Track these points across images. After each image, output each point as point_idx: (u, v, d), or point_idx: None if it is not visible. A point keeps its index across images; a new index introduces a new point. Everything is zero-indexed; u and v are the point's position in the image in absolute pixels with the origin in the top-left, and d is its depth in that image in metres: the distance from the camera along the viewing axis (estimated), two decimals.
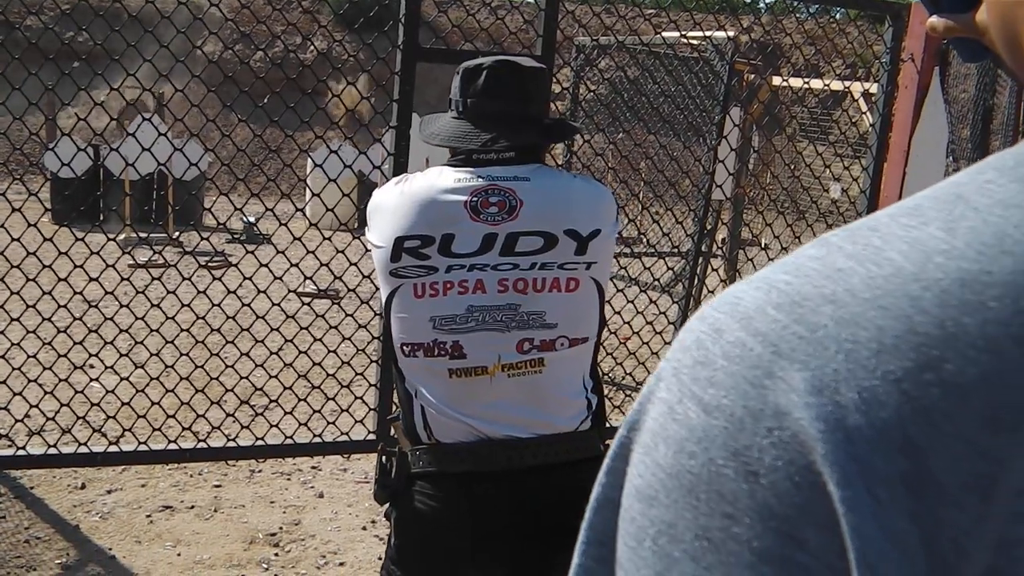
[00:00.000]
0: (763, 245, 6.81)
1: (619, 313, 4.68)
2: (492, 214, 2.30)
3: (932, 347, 0.45)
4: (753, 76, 6.23)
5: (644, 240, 7.29)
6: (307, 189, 10.75)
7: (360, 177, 7.21)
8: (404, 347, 2.37)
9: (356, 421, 4.23)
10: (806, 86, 5.03)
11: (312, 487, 5.22)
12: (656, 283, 6.75)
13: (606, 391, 3.20)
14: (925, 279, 0.47)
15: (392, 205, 2.36)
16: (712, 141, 6.01)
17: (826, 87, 4.93)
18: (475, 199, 2.30)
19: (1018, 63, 0.60)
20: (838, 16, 16.82)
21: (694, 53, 6.85)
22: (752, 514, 0.46)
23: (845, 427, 0.45)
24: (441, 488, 2.37)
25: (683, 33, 4.94)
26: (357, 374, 4.36)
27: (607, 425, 2.66)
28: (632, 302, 4.92)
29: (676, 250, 6.89)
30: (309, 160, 6.30)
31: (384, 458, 2.47)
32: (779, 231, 5.31)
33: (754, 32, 13.89)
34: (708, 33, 5.99)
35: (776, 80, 6.10)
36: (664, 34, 6.24)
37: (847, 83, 4.96)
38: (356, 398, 4.29)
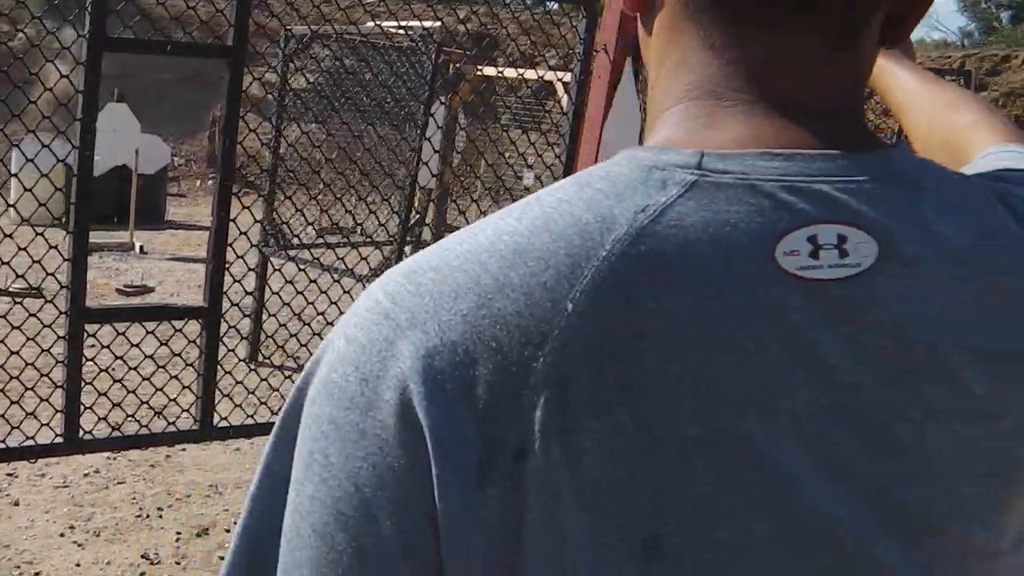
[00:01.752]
0: None
1: (336, 303, 4.61)
2: None
3: (487, 293, 0.66)
4: (459, 65, 6.30)
5: (360, 230, 7.28)
6: (12, 183, 10.18)
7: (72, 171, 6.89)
8: None
9: (42, 424, 4.02)
10: (500, 75, 5.12)
11: (8, 495, 4.96)
12: (374, 272, 6.77)
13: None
14: (493, 250, 0.68)
15: None
16: (417, 130, 6.05)
17: (520, 75, 5.03)
18: None
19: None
20: (553, 7, 17.24)
21: (408, 43, 6.88)
22: (362, 407, 0.67)
23: (426, 347, 0.66)
24: None
25: (378, 24, 4.93)
26: (43, 375, 4.14)
27: None
28: (349, 292, 4.84)
29: (393, 239, 6.91)
30: (14, 152, 5.91)
31: None
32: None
33: (472, 22, 14.06)
34: (413, 23, 6.03)
35: (486, 70, 6.19)
36: (370, 23, 6.22)
37: (542, 73, 5.07)
38: (42, 400, 4.08)
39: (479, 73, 6.24)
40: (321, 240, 6.76)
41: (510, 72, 5.62)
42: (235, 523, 0.77)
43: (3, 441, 3.92)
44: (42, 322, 4.11)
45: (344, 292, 4.81)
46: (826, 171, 0.70)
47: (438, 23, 6.34)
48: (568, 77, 5.04)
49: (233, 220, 3.72)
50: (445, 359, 0.65)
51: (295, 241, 7.41)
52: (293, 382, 0.74)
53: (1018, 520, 0.74)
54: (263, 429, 3.97)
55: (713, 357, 0.66)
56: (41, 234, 3.83)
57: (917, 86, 1.38)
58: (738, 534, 0.66)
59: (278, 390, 4.39)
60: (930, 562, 0.70)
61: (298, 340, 4.68)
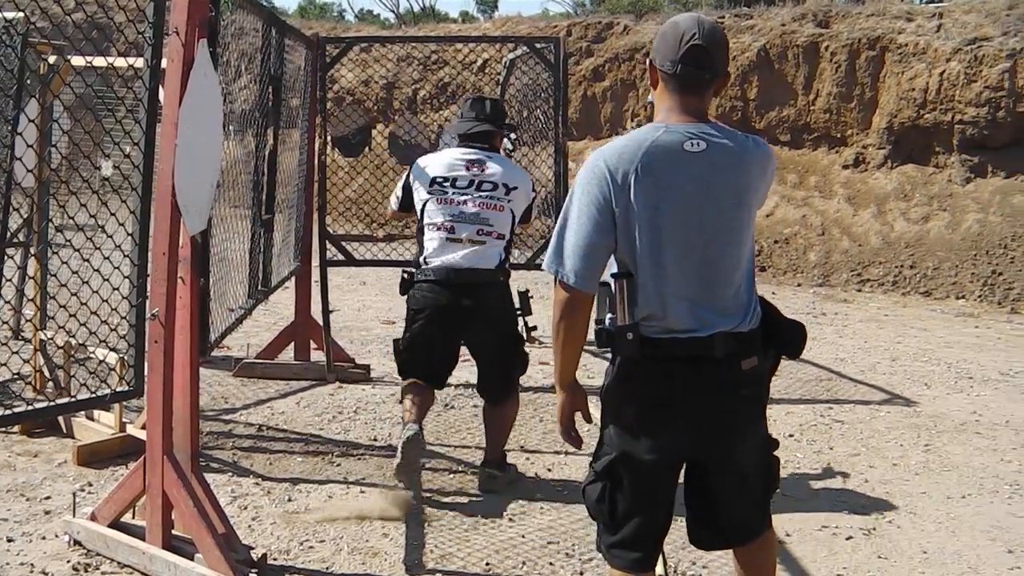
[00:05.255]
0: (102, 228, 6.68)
1: None
2: (475, 172, 5.64)
3: (621, 150, 3.23)
4: (55, 57, 6.15)
5: None
6: None
7: None
8: (428, 225, 5.60)
9: None
10: (88, 64, 5.07)
11: None
12: None
13: None
14: (620, 140, 3.28)
15: (429, 162, 5.73)
16: (7, 127, 5.87)
17: (88, 63, 4.99)
18: (468, 162, 5.68)
19: None
20: None
21: None
22: (593, 183, 3.22)
23: (607, 160, 3.21)
24: (433, 287, 5.54)
25: None
26: None
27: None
28: None
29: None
30: None
31: (406, 274, 5.68)
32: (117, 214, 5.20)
33: (80, 13, 13.47)
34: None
35: (74, 60, 6.06)
36: None
37: (112, 60, 5.05)
38: None
39: (70, 64, 6.11)
40: None
41: (78, 60, 5.54)
42: None
43: None
44: None
45: None
46: (694, 126, 3.22)
47: (20, 14, 6.14)
48: (141, 62, 4.75)
49: None
50: (612, 163, 3.18)
51: None
52: None
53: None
54: None
55: (665, 178, 3.18)
56: None
57: None
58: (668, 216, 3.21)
59: None
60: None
61: None
